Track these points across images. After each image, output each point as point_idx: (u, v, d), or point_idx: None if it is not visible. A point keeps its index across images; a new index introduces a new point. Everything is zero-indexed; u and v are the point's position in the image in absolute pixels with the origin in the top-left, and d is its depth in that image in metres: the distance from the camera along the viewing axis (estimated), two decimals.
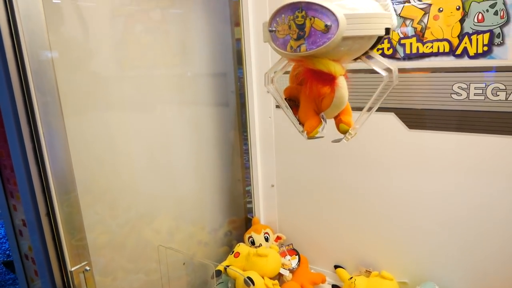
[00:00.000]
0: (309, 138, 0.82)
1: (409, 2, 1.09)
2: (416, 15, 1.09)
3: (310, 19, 0.68)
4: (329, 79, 0.71)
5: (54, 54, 0.72)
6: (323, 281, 1.40)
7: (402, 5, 1.10)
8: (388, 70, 0.76)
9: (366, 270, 1.31)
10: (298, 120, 0.83)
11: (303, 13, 0.68)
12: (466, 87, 1.04)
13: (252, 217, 1.61)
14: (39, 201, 0.68)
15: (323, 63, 0.71)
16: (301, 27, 0.69)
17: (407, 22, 1.10)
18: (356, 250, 1.37)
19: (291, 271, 1.39)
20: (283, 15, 0.72)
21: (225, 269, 1.28)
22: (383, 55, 1.17)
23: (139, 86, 1.19)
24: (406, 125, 1.17)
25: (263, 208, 1.59)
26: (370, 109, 0.82)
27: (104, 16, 1.01)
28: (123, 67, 1.13)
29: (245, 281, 1.13)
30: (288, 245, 1.49)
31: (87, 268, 0.76)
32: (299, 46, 0.70)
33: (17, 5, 0.63)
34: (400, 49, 1.14)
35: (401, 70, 1.15)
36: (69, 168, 0.72)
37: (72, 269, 0.73)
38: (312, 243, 1.48)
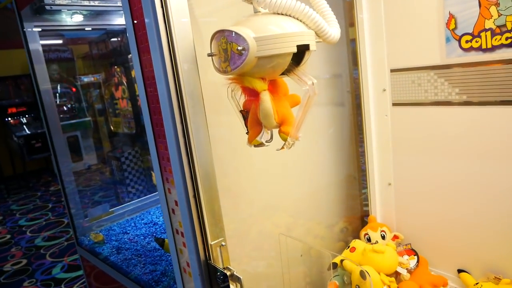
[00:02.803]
0: (254, 145, 0.89)
1: None
2: None
3: (230, 43, 0.77)
4: (255, 94, 0.81)
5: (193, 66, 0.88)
6: (445, 285, 1.34)
7: None
8: (310, 85, 0.82)
9: (495, 277, 1.22)
10: (247, 129, 0.91)
11: (225, 39, 0.78)
12: None
13: (368, 215, 1.62)
14: (188, 185, 0.85)
15: (248, 80, 0.81)
16: (225, 51, 0.79)
17: None
18: (483, 254, 1.28)
19: (409, 271, 1.37)
20: (215, 41, 0.82)
21: (341, 262, 1.33)
22: None
23: None
24: None
25: (380, 206, 1.59)
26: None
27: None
28: None
29: (361, 272, 1.17)
30: (406, 245, 1.46)
31: (223, 243, 0.90)
32: (226, 67, 0.80)
33: (174, 30, 0.80)
34: None
35: None
36: (210, 159, 0.88)
37: (212, 243, 0.89)
38: (432, 244, 1.43)
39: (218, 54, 0.82)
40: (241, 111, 0.92)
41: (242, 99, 0.89)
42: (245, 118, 0.91)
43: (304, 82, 0.82)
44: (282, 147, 0.86)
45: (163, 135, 0.87)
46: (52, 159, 1.95)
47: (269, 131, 0.89)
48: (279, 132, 0.86)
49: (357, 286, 1.22)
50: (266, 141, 0.89)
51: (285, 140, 0.86)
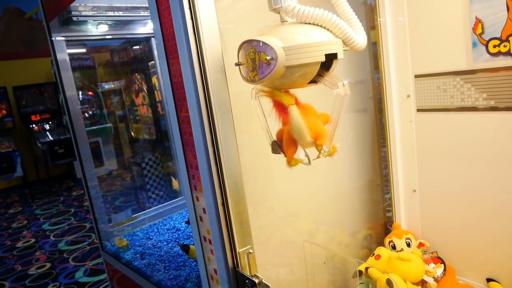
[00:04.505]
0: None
1: None
2: None
3: (258, 53, 0.79)
4: (284, 108, 0.82)
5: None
6: None
7: None
8: (340, 86, 0.82)
9: None
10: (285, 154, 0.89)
11: (253, 49, 0.79)
12: None
13: (391, 222, 1.60)
14: (217, 193, 0.86)
15: (278, 94, 0.82)
16: (253, 60, 0.80)
17: None
18: None
19: (436, 279, 1.34)
20: (242, 51, 0.83)
21: (366, 270, 1.32)
22: None
23: None
24: None
25: (404, 213, 1.57)
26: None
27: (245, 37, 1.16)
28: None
29: (387, 281, 1.16)
30: (432, 253, 1.44)
31: (251, 251, 0.91)
32: (254, 77, 0.81)
33: (203, 40, 0.82)
34: None
35: None
36: (238, 168, 0.89)
37: (240, 250, 0.89)
38: (459, 252, 1.40)
39: (245, 64, 0.83)
40: (275, 141, 0.93)
41: (269, 107, 0.89)
42: (280, 146, 0.92)
43: (334, 84, 0.82)
44: (318, 156, 0.86)
45: (191, 144, 0.88)
46: (75, 164, 1.99)
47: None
48: (316, 146, 0.86)
49: None
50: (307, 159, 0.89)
51: (320, 151, 0.86)
